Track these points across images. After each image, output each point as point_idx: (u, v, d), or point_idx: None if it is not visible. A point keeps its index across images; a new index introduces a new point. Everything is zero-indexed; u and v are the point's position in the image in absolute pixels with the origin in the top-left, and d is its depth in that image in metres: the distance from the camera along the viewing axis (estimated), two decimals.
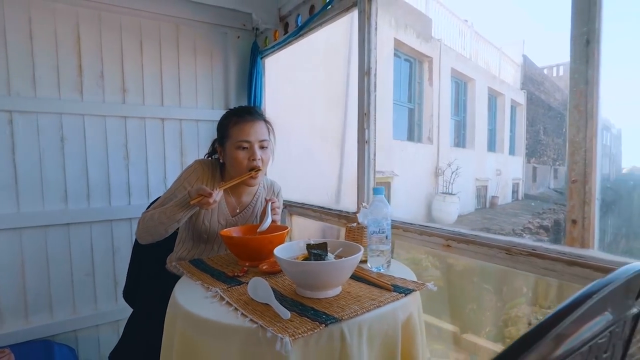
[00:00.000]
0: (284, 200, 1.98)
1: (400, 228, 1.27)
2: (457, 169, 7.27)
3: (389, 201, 1.08)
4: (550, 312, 0.34)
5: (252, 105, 2.09)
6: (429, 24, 7.15)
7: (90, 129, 1.80)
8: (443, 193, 7.05)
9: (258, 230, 1.20)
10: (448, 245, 1.11)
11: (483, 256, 1.02)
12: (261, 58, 2.13)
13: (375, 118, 1.43)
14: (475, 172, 8.51)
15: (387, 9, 5.97)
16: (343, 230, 1.38)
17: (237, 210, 1.33)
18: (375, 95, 1.42)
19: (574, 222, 0.88)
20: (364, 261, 1.10)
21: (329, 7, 1.59)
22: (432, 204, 7.03)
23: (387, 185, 5.97)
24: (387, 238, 1.04)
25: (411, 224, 1.25)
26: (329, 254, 0.90)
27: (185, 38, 2.03)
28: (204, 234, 1.29)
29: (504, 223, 7.19)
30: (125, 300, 1.48)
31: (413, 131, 7.20)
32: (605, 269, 0.80)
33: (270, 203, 1.26)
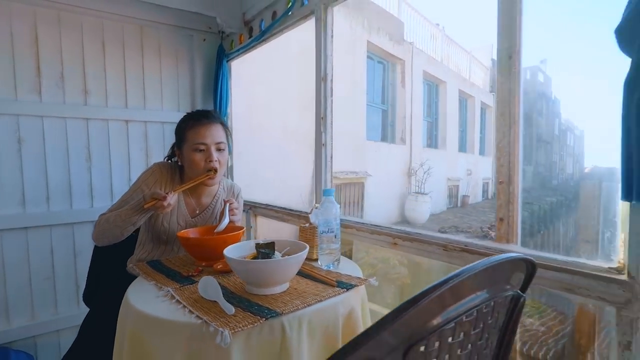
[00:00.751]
0: (248, 202, 2.01)
1: (353, 227, 1.33)
2: (429, 169, 7.48)
3: (362, 201, 1.14)
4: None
5: (218, 107, 2.12)
6: (401, 27, 7.33)
7: (49, 130, 1.77)
8: (415, 193, 7.23)
9: (215, 231, 1.23)
10: (395, 243, 1.18)
11: (424, 252, 1.09)
12: (227, 61, 2.15)
13: (332, 122, 1.49)
14: (447, 172, 8.78)
15: (359, 11, 6.07)
16: None
17: (197, 212, 1.36)
18: (332, 100, 1.48)
19: (501, 219, 0.97)
20: (315, 259, 1.16)
21: (290, 13, 1.64)
22: (405, 204, 7.20)
23: (361, 185, 6.06)
24: (336, 237, 1.09)
25: (363, 223, 1.31)
26: (276, 252, 0.94)
27: (150, 40, 2.03)
28: (163, 235, 1.31)
29: (473, 221, 7.45)
30: (85, 304, 1.47)
31: (386, 132, 7.35)
32: None
33: (227, 204, 1.29)
